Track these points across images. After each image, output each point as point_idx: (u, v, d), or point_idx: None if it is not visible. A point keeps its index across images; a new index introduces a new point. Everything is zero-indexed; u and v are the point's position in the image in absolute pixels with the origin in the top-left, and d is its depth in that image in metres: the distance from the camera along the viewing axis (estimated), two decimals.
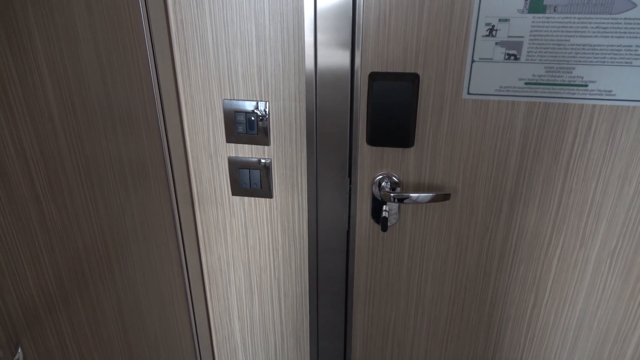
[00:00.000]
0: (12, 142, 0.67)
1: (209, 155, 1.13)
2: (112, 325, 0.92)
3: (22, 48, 0.67)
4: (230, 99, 1.06)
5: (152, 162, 1.01)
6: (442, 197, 1.01)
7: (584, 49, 0.87)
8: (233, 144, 1.11)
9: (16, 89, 0.67)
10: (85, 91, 0.80)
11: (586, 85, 0.90)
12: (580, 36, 0.86)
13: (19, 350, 0.69)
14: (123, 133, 0.91)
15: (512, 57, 0.90)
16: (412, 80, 0.94)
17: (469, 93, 0.95)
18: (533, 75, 0.91)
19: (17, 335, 0.70)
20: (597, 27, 0.85)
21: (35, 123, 0.71)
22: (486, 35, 0.89)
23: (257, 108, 1.06)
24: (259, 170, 1.12)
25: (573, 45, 0.87)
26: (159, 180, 1.05)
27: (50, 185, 0.74)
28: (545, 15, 0.86)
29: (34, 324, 0.73)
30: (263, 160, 1.11)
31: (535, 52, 0.89)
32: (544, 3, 0.85)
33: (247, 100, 1.06)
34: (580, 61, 0.88)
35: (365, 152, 1.04)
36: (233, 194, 1.16)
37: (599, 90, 0.90)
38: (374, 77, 0.95)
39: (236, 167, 1.13)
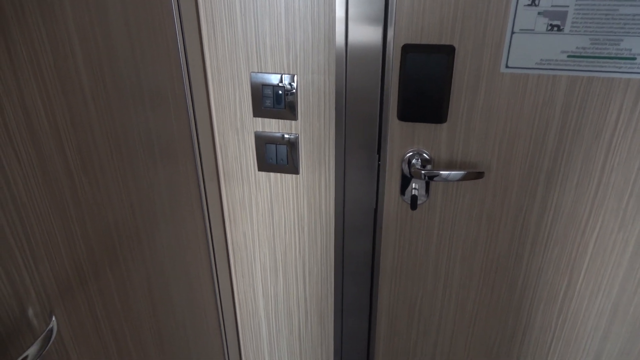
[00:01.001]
0: (45, 113, 0.68)
1: (235, 130, 1.14)
2: (141, 299, 0.94)
3: (53, 17, 0.68)
4: (258, 72, 1.05)
5: (179, 138, 1.02)
6: (475, 175, 0.99)
7: (633, 20, 0.83)
8: (260, 119, 1.11)
9: (48, 59, 0.67)
10: (115, 64, 0.80)
11: (634, 59, 0.86)
12: (630, 5, 0.82)
13: (53, 318, 0.71)
14: (151, 107, 0.91)
15: (555, 28, 0.86)
16: (447, 52, 0.92)
17: (507, 66, 0.92)
18: (577, 47, 0.87)
19: (50, 305, 0.72)
20: None
21: (67, 94, 0.71)
22: (528, 5, 0.86)
23: (284, 81, 1.05)
24: (285, 146, 1.12)
25: (622, 15, 0.83)
26: (185, 156, 1.05)
27: (81, 158, 0.75)
28: None
29: (67, 295, 0.75)
30: (290, 136, 1.11)
31: (580, 23, 0.85)
32: None
33: (275, 74, 1.05)
34: (628, 32, 0.84)
35: (395, 128, 1.02)
36: (259, 170, 1.17)
37: None
38: (407, 49, 0.93)
39: (262, 142, 1.13)
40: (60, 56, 0.70)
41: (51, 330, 0.69)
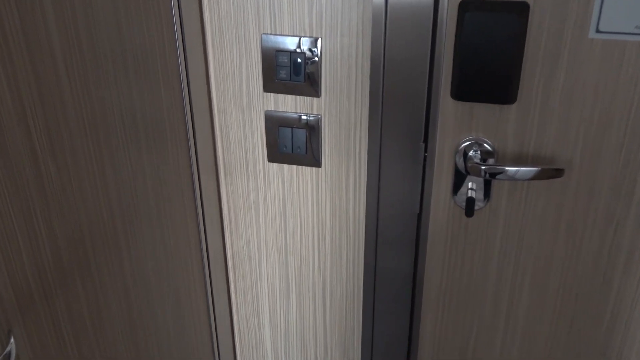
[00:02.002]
0: (6, 81, 0.70)
1: (240, 108, 1.16)
2: (116, 319, 0.97)
3: None
4: (271, 34, 1.07)
5: (169, 117, 1.04)
6: (552, 172, 0.99)
7: None
8: (272, 94, 1.13)
9: (11, 12, 0.70)
10: (92, 21, 0.83)
11: None
12: None
13: (11, 339, 0.74)
14: (136, 77, 0.94)
15: None
16: (519, 11, 0.92)
17: (597, 31, 0.92)
18: None
19: (8, 323, 0.75)
20: None
21: (34, 60, 0.74)
22: None
23: (303, 46, 1.07)
24: (304, 130, 1.14)
25: None
26: (176, 141, 1.08)
27: (49, 139, 0.78)
28: None
29: (28, 310, 0.78)
30: (310, 117, 1.12)
31: None
32: None
33: (293, 36, 1.06)
34: None
35: (448, 110, 1.03)
36: (269, 161, 1.19)
37: None
38: (465, 6, 0.94)
39: (275, 124, 1.15)
40: (27, 12, 0.72)
41: (9, 354, 0.72)
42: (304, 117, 1.13)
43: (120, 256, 0.96)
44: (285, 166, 1.18)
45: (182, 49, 1.05)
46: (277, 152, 1.17)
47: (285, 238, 1.26)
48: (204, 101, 1.14)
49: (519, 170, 0.99)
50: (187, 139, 1.11)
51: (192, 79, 1.09)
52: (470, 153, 1.04)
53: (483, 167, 1.00)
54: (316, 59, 1.07)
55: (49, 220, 0.80)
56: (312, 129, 1.13)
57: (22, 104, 0.73)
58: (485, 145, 1.04)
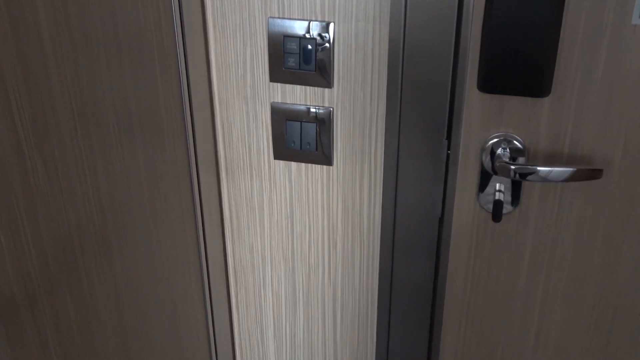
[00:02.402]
0: None
1: (243, 99, 1.16)
2: (107, 329, 0.98)
3: None
4: (278, 17, 1.08)
5: (166, 109, 1.05)
6: (589, 173, 0.99)
7: None
8: (279, 85, 1.13)
9: None
10: (84, 3, 0.84)
11: None
12: None
13: None
14: (130, 64, 0.95)
15: None
16: None
17: None
18: None
19: None
20: None
21: (20, 43, 0.75)
22: None
23: (312, 31, 1.07)
24: (314, 124, 1.14)
25: None
26: (174, 135, 1.09)
27: (36, 132, 0.79)
28: None
29: (11, 319, 0.79)
30: (321, 110, 1.13)
31: None
32: None
33: (303, 20, 1.07)
34: None
35: (474, 103, 1.03)
36: (276, 158, 1.19)
37: None
38: None
39: (282, 118, 1.15)
40: None
41: None
42: (314, 110, 1.13)
43: (112, 261, 0.97)
44: (293, 164, 1.19)
45: (180, 34, 1.05)
46: (284, 149, 1.17)
47: (292, 243, 1.26)
48: (204, 91, 1.15)
49: (552, 170, 0.99)
50: (186, 133, 1.11)
51: (191, 67, 1.09)
52: (499, 151, 1.04)
53: (512, 167, 1.00)
54: (328, 45, 1.07)
55: (34, 220, 0.80)
56: (323, 123, 1.13)
57: (6, 92, 0.74)
58: (515, 142, 1.04)
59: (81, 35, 0.84)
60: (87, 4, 0.85)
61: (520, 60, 0.96)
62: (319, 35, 1.07)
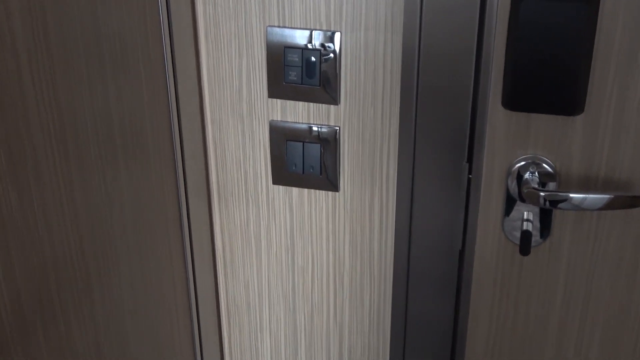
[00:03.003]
0: None
1: (239, 117, 1.17)
2: None
3: None
4: (278, 26, 1.09)
5: (153, 127, 1.06)
6: (628, 200, 0.99)
7: None
8: (279, 101, 1.14)
9: None
10: (63, 10, 0.84)
11: None
12: None
13: None
14: (113, 75, 0.95)
15: None
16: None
17: None
18: None
19: None
20: None
21: None
22: None
23: (314, 41, 1.08)
24: (318, 145, 1.14)
25: None
26: (161, 157, 1.09)
27: (9, 155, 0.79)
28: None
29: None
30: (326, 129, 1.13)
31: None
32: None
33: (306, 29, 1.08)
34: None
35: (498, 122, 1.04)
36: (274, 183, 1.19)
37: None
38: None
39: (282, 138, 1.15)
40: None
41: None
42: (317, 129, 1.13)
43: (91, 300, 0.97)
44: (294, 190, 1.19)
45: (168, 44, 1.06)
46: (284, 172, 1.18)
47: (293, 279, 1.26)
48: (195, 108, 1.15)
49: (586, 197, 0.99)
50: (174, 155, 1.12)
51: (180, 81, 1.10)
52: (526, 175, 1.05)
53: (542, 194, 1.00)
54: (334, 57, 1.08)
55: (6, 256, 0.80)
56: (328, 144, 1.14)
57: None
58: (545, 165, 1.04)
59: (60, 46, 0.85)
60: (67, 10, 0.86)
61: (549, 73, 0.96)
62: (324, 45, 1.08)
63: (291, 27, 1.08)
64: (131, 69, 0.99)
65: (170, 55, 1.07)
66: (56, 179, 0.87)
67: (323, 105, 1.12)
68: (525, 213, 1.07)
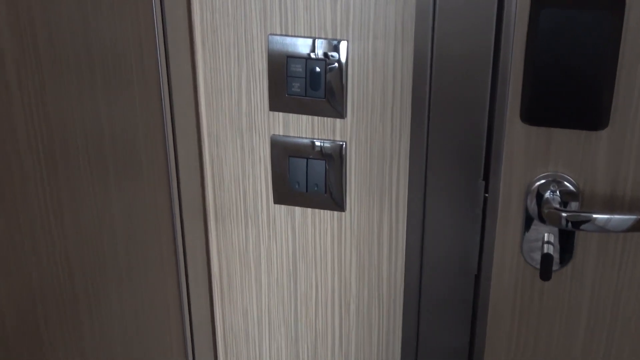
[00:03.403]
0: None
1: (237, 131, 1.17)
2: None
3: None
4: (281, 34, 1.10)
5: (146, 141, 1.06)
6: None
7: None
8: (281, 114, 1.14)
9: None
10: (52, 16, 0.85)
11: None
12: None
13: None
14: (105, 89, 0.96)
15: None
16: (611, 6, 0.93)
17: None
18: None
19: None
20: None
21: None
22: None
23: (317, 50, 1.09)
24: (323, 162, 1.15)
25: None
26: (155, 174, 1.09)
27: None
28: None
29: None
30: (331, 144, 1.14)
31: None
32: None
33: (310, 38, 1.08)
34: None
35: (517, 137, 1.04)
36: (276, 202, 1.20)
37: None
38: (541, 3, 0.95)
39: (284, 154, 1.16)
40: None
41: None
42: (322, 144, 1.14)
43: (80, 329, 0.97)
44: (297, 209, 1.19)
45: (163, 53, 1.07)
46: (287, 191, 1.18)
47: (296, 306, 1.26)
48: (191, 122, 1.16)
49: (611, 218, 0.99)
50: (168, 172, 1.12)
51: (175, 93, 1.10)
52: (547, 194, 1.05)
53: (564, 214, 1.00)
54: (340, 67, 1.09)
55: None
56: (334, 160, 1.14)
57: None
58: (567, 184, 1.05)
59: (49, 57, 0.86)
60: (56, 19, 0.86)
61: (571, 85, 0.97)
62: (329, 55, 1.08)
63: (294, 36, 1.09)
64: (124, 80, 0.99)
65: (165, 65, 1.07)
66: (44, 199, 0.87)
67: (328, 118, 1.13)
68: (545, 235, 1.08)
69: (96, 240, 0.98)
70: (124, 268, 1.05)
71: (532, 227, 1.08)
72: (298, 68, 1.10)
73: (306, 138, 1.15)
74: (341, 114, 1.11)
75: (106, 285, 1.02)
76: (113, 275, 1.03)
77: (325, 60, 1.09)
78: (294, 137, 1.15)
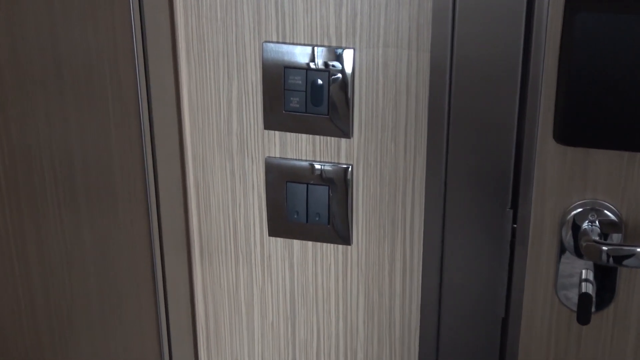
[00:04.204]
0: None
1: (227, 153, 1.17)
2: None
3: None
4: (278, 42, 1.10)
5: (122, 166, 1.05)
6: None
7: None
8: (277, 133, 1.14)
9: None
10: (17, 29, 0.86)
11: None
12: None
13: None
14: (76, 109, 0.96)
15: None
16: None
17: None
18: None
19: None
20: None
21: None
22: None
23: (317, 60, 1.09)
24: (326, 188, 1.15)
25: None
26: (131, 202, 1.09)
27: None
28: None
29: None
30: (334, 167, 1.14)
31: None
32: None
33: (310, 46, 1.09)
34: None
35: (549, 159, 1.04)
36: (271, 235, 1.19)
37: None
38: (576, 4, 0.95)
39: (281, 179, 1.16)
40: None
41: None
42: (323, 168, 1.14)
43: None
44: (296, 243, 1.19)
45: (142, 64, 1.06)
46: (284, 222, 1.18)
47: (294, 355, 1.25)
48: (174, 143, 1.16)
49: None
50: (147, 202, 1.11)
51: (155, 110, 1.10)
52: (585, 225, 1.05)
53: (604, 248, 1.00)
54: (343, 78, 1.09)
55: None
56: (338, 187, 1.14)
57: None
58: (607, 213, 1.04)
59: (12, 70, 0.86)
60: (21, 28, 0.87)
61: (612, 100, 0.97)
62: (333, 65, 1.09)
63: (293, 43, 1.09)
64: (97, 97, 0.99)
65: (144, 78, 1.07)
66: (5, 233, 0.88)
67: (332, 138, 1.13)
68: (583, 271, 1.07)
69: (64, 281, 0.97)
70: (95, 312, 1.05)
71: (568, 262, 1.08)
72: (297, 80, 1.11)
73: (306, 160, 1.15)
74: (347, 133, 1.11)
75: (75, 332, 1.01)
76: (83, 320, 1.02)
77: (328, 71, 1.09)
78: (292, 159, 1.15)
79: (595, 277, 1.08)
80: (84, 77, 0.97)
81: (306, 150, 1.14)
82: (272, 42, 1.10)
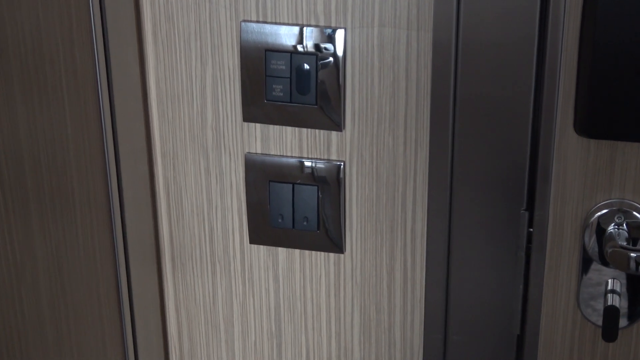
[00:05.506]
0: None
1: (201, 149, 1.16)
2: None
3: None
4: (257, 21, 1.09)
5: (79, 164, 1.05)
6: None
7: None
8: (258, 126, 1.14)
9: None
10: None
11: None
12: None
13: None
14: (24, 101, 0.95)
15: None
16: None
17: None
18: None
19: None
20: None
21: None
22: None
23: (305, 42, 1.08)
24: (314, 188, 1.14)
25: None
26: (90, 206, 1.08)
27: None
28: None
29: None
30: (324, 165, 1.13)
31: None
32: None
33: (296, 25, 1.08)
34: None
35: (570, 154, 1.04)
36: (252, 242, 1.19)
37: None
38: None
39: (263, 178, 1.15)
40: None
41: None
42: (312, 165, 1.14)
43: None
44: (281, 251, 1.19)
45: (102, 49, 1.06)
46: (267, 227, 1.17)
47: None
48: (139, 138, 1.15)
49: None
50: (109, 206, 1.11)
51: (118, 101, 1.09)
52: (610, 228, 1.04)
53: (633, 254, 1.00)
54: (334, 62, 1.08)
55: None
56: (329, 186, 1.14)
57: None
58: (636, 214, 1.04)
59: None
60: None
61: (638, 89, 0.97)
62: (322, 47, 1.08)
63: (275, 23, 1.09)
64: (49, 86, 0.99)
65: (104, 64, 1.06)
66: None
67: (321, 131, 1.12)
68: (609, 281, 1.07)
69: (13, 299, 0.96)
70: (49, 332, 1.04)
71: (592, 271, 1.08)
72: (280, 65, 1.10)
73: (292, 157, 1.14)
74: (338, 125, 1.11)
75: (27, 356, 1.00)
76: (36, 343, 1.02)
77: (316, 55, 1.08)
78: (276, 155, 1.15)
79: (622, 287, 1.07)
80: (34, 64, 0.96)
81: (291, 145, 1.14)
82: (251, 21, 1.09)
